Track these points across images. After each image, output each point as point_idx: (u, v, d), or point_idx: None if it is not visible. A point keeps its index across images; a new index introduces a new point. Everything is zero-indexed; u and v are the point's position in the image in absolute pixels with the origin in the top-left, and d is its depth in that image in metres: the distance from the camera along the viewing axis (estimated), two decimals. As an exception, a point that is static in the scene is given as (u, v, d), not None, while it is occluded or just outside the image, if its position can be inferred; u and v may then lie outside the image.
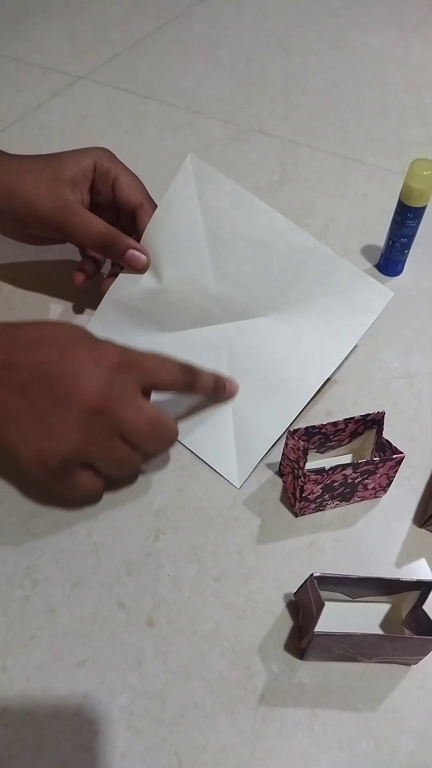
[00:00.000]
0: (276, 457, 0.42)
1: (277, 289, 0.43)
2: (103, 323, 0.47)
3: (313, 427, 0.38)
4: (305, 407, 0.42)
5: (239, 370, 0.43)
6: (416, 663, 0.34)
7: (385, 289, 0.41)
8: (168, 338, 0.45)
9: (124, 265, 0.45)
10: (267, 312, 0.43)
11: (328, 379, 0.42)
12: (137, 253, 0.44)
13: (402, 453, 0.37)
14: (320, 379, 0.41)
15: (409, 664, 0.34)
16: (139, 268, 0.45)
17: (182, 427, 0.42)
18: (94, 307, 0.48)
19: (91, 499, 0.39)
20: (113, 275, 0.47)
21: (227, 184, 0.45)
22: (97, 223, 0.43)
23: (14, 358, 0.34)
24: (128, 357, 0.35)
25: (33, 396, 0.33)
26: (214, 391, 0.41)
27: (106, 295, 0.47)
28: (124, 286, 0.46)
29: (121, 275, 0.46)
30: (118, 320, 0.46)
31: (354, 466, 0.36)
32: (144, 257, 0.45)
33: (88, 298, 0.50)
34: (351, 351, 0.42)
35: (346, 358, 0.43)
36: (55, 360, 0.34)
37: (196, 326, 0.45)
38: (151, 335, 0.45)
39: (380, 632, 0.35)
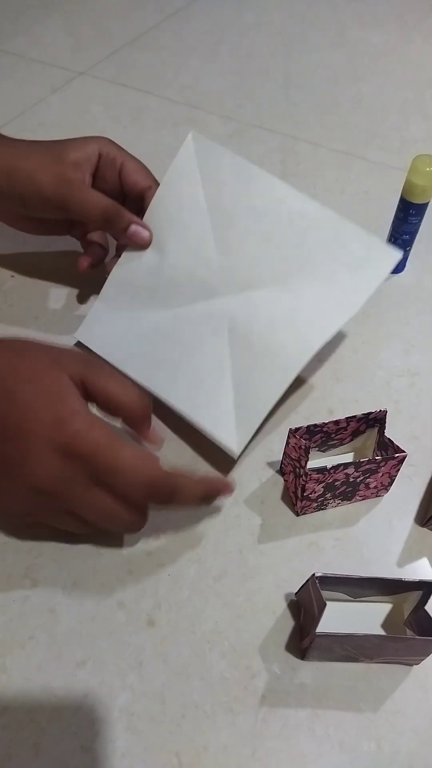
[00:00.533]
0: (277, 455, 0.42)
1: (280, 257, 0.42)
2: (107, 305, 0.46)
3: (315, 425, 0.38)
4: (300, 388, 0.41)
5: (239, 337, 0.41)
6: (418, 663, 0.34)
7: (392, 249, 0.40)
8: (171, 314, 0.44)
9: (126, 242, 0.45)
10: (271, 281, 0.42)
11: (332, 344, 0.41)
12: (140, 228, 0.44)
13: (404, 452, 0.37)
14: (321, 340, 0.39)
15: (410, 665, 0.34)
16: (143, 244, 0.45)
17: (173, 387, 0.40)
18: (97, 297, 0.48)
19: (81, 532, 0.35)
20: (118, 257, 0.47)
21: (227, 156, 0.44)
22: (99, 197, 0.43)
23: None
24: (86, 445, 0.31)
25: None
26: (201, 501, 0.35)
27: (110, 276, 0.46)
28: (127, 264, 0.46)
29: (124, 254, 0.46)
30: (122, 300, 0.46)
31: (356, 465, 0.36)
32: (147, 233, 0.44)
33: (93, 288, 0.50)
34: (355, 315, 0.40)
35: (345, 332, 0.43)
36: (14, 425, 0.31)
37: (198, 300, 0.43)
38: (154, 312, 0.44)
39: (382, 632, 0.35)
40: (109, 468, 0.31)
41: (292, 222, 0.42)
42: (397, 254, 0.40)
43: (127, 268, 0.46)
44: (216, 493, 0.36)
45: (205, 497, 0.35)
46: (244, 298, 0.42)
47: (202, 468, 0.42)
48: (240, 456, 0.40)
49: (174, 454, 0.42)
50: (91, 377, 0.33)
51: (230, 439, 0.39)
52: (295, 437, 0.37)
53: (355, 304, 0.39)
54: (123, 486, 0.32)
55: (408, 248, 0.53)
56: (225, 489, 0.36)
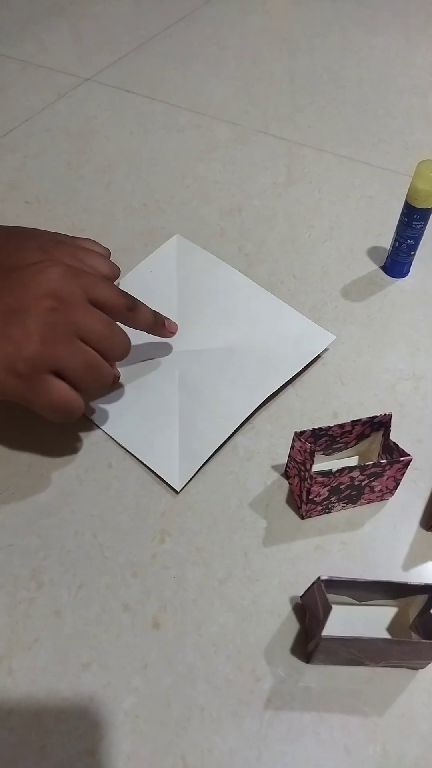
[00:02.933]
0: (282, 459, 0.42)
1: (231, 329, 0.49)
2: None
3: (320, 429, 0.38)
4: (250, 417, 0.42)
5: (189, 385, 0.45)
6: (423, 667, 0.34)
7: (327, 333, 0.48)
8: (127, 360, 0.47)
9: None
10: (221, 345, 0.48)
11: (268, 399, 0.45)
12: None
13: (409, 455, 0.37)
14: (259, 400, 0.44)
15: (416, 668, 0.34)
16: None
17: (124, 426, 0.43)
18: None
19: (68, 413, 0.36)
20: None
21: (202, 254, 0.54)
22: None
23: None
24: (75, 265, 0.38)
25: None
26: (153, 324, 0.43)
27: None
28: None
29: None
30: None
31: (361, 468, 0.36)
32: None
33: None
34: (290, 380, 0.46)
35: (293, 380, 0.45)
36: (5, 264, 0.36)
37: (154, 354, 0.48)
38: None
39: (387, 636, 0.35)
40: (95, 280, 0.37)
41: (244, 303, 0.50)
42: (330, 337, 0.48)
43: None
44: (162, 320, 0.44)
45: (155, 320, 0.43)
46: (197, 355, 0.47)
47: (208, 470, 0.42)
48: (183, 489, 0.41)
49: (179, 458, 0.42)
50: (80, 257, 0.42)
51: (173, 476, 0.41)
52: (300, 440, 0.37)
53: (291, 371, 0.46)
54: (107, 292, 0.38)
55: (412, 253, 0.53)
56: (169, 321, 0.45)
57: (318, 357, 0.48)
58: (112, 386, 0.43)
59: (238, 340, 0.48)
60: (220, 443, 0.42)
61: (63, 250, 0.43)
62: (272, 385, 0.45)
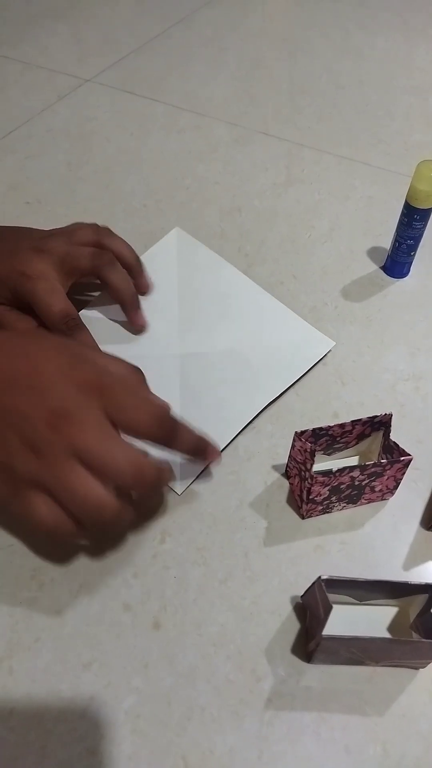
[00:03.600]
0: (282, 459, 0.42)
1: (232, 331, 0.48)
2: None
3: (320, 428, 0.38)
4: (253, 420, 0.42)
5: (190, 388, 0.45)
6: (424, 667, 0.34)
7: (327, 338, 0.48)
8: (130, 353, 0.46)
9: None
10: (220, 346, 0.47)
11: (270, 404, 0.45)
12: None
13: (409, 455, 0.37)
14: (260, 405, 0.44)
15: (416, 668, 0.34)
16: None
17: None
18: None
19: (52, 534, 0.31)
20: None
21: (204, 251, 0.53)
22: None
23: None
24: (102, 381, 0.32)
25: None
26: (193, 452, 0.36)
27: (89, 306, 0.49)
28: (102, 305, 0.49)
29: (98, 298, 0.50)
30: (94, 323, 0.49)
31: (361, 468, 0.36)
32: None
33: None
34: (291, 385, 0.46)
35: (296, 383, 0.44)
36: (26, 373, 0.32)
37: (155, 349, 0.48)
38: (115, 345, 0.48)
39: (388, 636, 0.35)
40: (124, 401, 0.32)
41: (245, 306, 0.50)
42: (330, 343, 0.48)
43: (102, 308, 0.49)
44: (205, 450, 0.36)
45: (196, 449, 0.35)
46: (197, 358, 0.47)
47: (208, 471, 0.42)
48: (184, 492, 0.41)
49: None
50: (89, 352, 0.35)
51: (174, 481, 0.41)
52: (301, 440, 0.37)
53: (292, 377, 0.46)
54: (135, 415, 0.32)
55: (412, 253, 0.53)
56: (213, 453, 0.36)
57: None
58: (123, 523, 0.33)
59: (239, 343, 0.48)
60: (222, 448, 0.42)
61: (55, 241, 0.43)
62: (273, 391, 0.45)
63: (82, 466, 0.30)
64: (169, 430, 0.34)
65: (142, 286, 0.49)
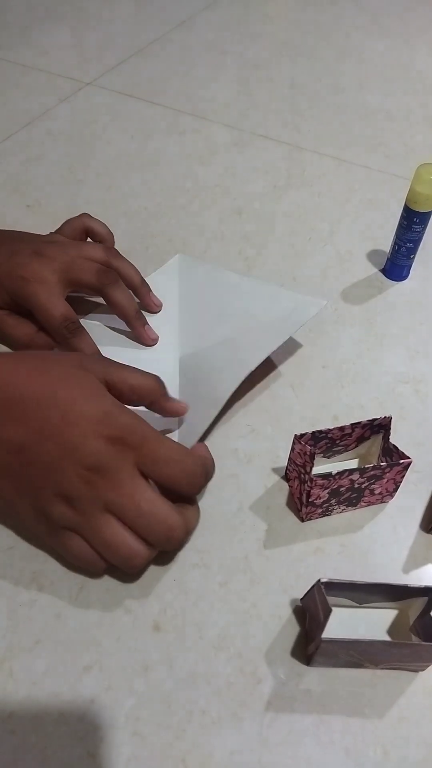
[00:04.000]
0: (282, 461, 0.42)
1: (228, 322, 0.48)
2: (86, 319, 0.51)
3: (320, 431, 0.38)
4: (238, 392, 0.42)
5: (187, 369, 0.46)
6: (424, 669, 0.34)
7: (317, 300, 0.47)
8: (132, 350, 0.48)
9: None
10: (218, 338, 0.47)
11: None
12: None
13: (409, 458, 0.37)
14: (257, 362, 0.43)
15: (416, 671, 0.34)
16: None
17: None
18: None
19: (89, 569, 0.35)
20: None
21: (205, 269, 0.53)
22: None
23: (15, 414, 0.32)
24: (135, 436, 0.33)
25: (28, 458, 0.32)
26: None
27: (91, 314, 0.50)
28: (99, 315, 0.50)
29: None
30: (96, 326, 0.49)
31: (361, 471, 0.36)
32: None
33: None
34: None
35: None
36: (57, 424, 0.32)
37: (154, 354, 0.48)
38: (119, 340, 0.49)
39: (387, 638, 0.35)
40: (157, 456, 0.33)
41: (239, 297, 0.49)
42: (322, 302, 0.46)
43: (102, 316, 0.50)
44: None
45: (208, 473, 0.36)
46: (196, 355, 0.47)
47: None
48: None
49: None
50: (112, 372, 0.36)
51: None
52: (300, 443, 0.37)
53: (285, 335, 0.44)
54: (167, 470, 0.33)
55: (412, 256, 0.53)
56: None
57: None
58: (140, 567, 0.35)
59: (235, 328, 0.47)
60: (212, 418, 0.41)
61: (58, 248, 0.43)
62: (267, 348, 0.44)
63: (115, 519, 0.32)
64: (201, 485, 0.35)
65: (150, 306, 0.50)
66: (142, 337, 0.47)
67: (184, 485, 0.34)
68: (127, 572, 0.35)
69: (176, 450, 0.34)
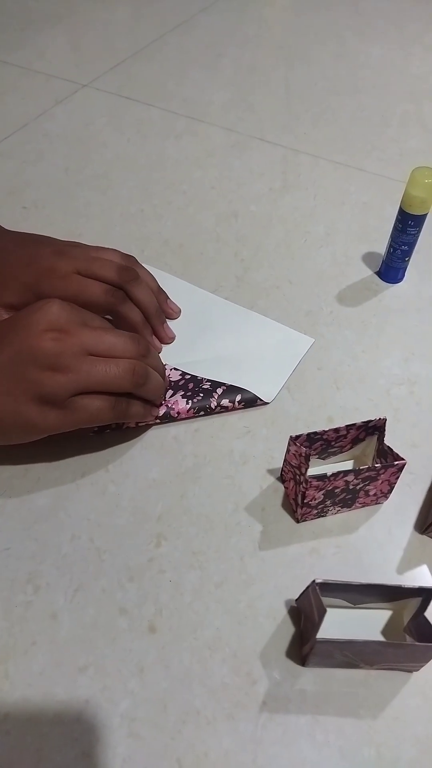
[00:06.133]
0: (277, 463, 0.42)
1: (214, 341, 0.49)
2: None
3: (315, 433, 0.39)
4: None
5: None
6: (418, 670, 0.34)
7: (306, 336, 0.50)
8: None
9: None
10: (205, 355, 0.48)
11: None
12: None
13: (403, 459, 0.37)
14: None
15: (410, 671, 0.34)
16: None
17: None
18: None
19: (115, 416, 0.39)
20: None
21: (178, 283, 0.54)
22: None
23: None
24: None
25: (5, 358, 0.36)
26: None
27: None
28: None
29: None
30: None
31: (356, 472, 0.36)
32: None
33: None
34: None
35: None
36: (10, 323, 0.37)
37: None
38: None
39: (382, 639, 0.35)
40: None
41: (223, 319, 0.51)
42: (309, 340, 0.50)
43: None
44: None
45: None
46: (186, 363, 0.48)
47: (204, 473, 0.42)
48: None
49: (176, 460, 0.42)
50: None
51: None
52: (296, 445, 0.38)
53: (284, 377, 0.47)
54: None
55: (407, 258, 0.53)
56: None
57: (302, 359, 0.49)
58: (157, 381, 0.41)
59: (222, 351, 0.49)
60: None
61: (77, 251, 0.44)
62: (268, 396, 0.46)
63: (95, 357, 0.37)
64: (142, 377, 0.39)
65: (170, 313, 0.51)
66: (161, 334, 0.48)
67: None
68: (144, 389, 0.39)
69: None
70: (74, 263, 0.43)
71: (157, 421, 0.44)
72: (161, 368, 0.42)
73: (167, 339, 0.49)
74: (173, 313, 0.51)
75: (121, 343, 0.38)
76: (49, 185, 0.64)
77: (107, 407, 0.38)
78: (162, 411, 0.43)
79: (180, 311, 0.51)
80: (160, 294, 0.49)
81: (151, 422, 0.44)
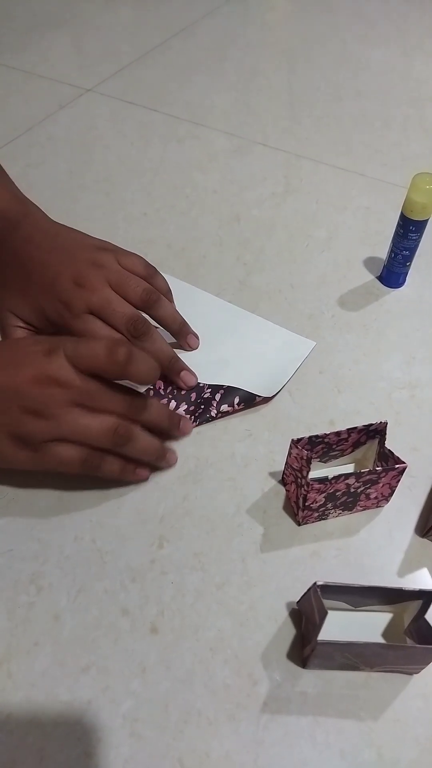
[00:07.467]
0: (279, 466, 0.43)
1: (220, 347, 0.50)
2: None
3: (317, 436, 0.39)
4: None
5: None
6: (418, 672, 0.34)
7: (308, 340, 0.51)
8: None
9: None
10: (210, 358, 0.49)
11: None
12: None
13: (404, 463, 0.37)
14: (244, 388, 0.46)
15: (410, 673, 0.34)
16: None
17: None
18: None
19: (86, 469, 0.37)
20: None
21: (178, 284, 0.54)
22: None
23: None
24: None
25: None
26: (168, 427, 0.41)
27: None
28: None
29: None
30: None
31: (357, 475, 0.37)
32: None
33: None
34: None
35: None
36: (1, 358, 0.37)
37: None
38: None
39: (382, 641, 0.35)
40: (77, 347, 0.37)
41: (225, 322, 0.52)
42: (311, 343, 0.50)
43: None
44: (177, 420, 0.42)
45: (170, 422, 0.41)
46: (188, 365, 0.47)
47: (207, 475, 0.42)
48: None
49: (179, 462, 0.43)
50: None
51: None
52: (297, 448, 0.38)
53: (284, 379, 0.47)
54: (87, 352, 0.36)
55: (408, 263, 0.54)
56: (185, 421, 0.43)
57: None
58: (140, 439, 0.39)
59: (224, 353, 0.49)
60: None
61: (108, 257, 0.44)
62: (273, 390, 0.46)
63: (82, 409, 0.36)
64: (138, 409, 0.38)
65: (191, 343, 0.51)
66: (186, 344, 0.49)
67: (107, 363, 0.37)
68: (123, 448, 0.38)
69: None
70: (90, 298, 0.43)
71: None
72: (163, 422, 0.41)
73: (193, 347, 0.49)
74: (194, 345, 0.50)
75: (115, 400, 0.37)
76: (53, 188, 0.65)
77: (77, 460, 0.36)
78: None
79: (198, 340, 0.51)
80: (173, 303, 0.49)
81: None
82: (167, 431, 0.42)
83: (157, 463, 0.41)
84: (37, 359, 0.36)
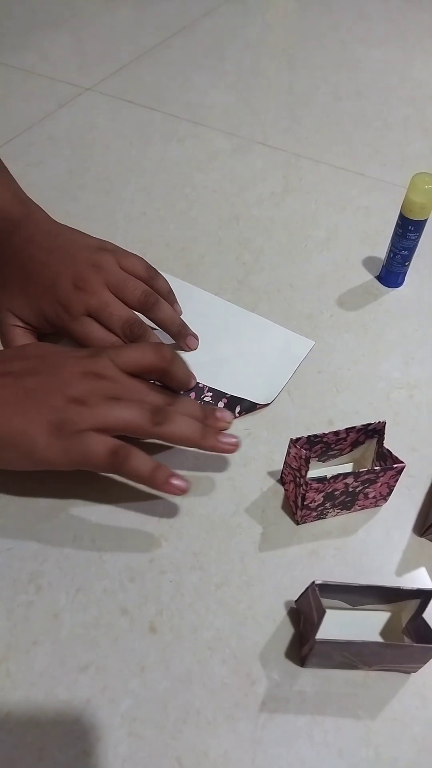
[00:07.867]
0: (278, 465, 0.43)
1: (219, 347, 0.50)
2: None
3: (315, 436, 0.39)
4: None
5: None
6: (416, 671, 0.34)
7: (307, 339, 0.51)
8: None
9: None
10: (209, 358, 0.49)
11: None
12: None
13: (403, 462, 0.38)
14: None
15: (408, 672, 0.35)
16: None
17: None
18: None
19: (116, 461, 0.37)
20: None
21: (178, 283, 0.54)
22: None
23: (10, 366, 0.38)
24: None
25: (27, 384, 0.37)
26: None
27: None
28: None
29: None
30: None
31: (355, 474, 0.37)
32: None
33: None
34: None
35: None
36: (46, 359, 0.39)
37: None
38: None
39: (380, 640, 0.35)
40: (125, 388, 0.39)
41: (224, 320, 0.52)
42: (310, 343, 0.50)
43: None
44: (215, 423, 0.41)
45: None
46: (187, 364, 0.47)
47: (206, 475, 0.42)
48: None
49: (178, 461, 0.43)
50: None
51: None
52: (296, 447, 0.38)
53: (284, 379, 0.47)
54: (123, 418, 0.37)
55: (407, 263, 0.54)
56: (220, 416, 0.41)
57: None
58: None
59: (223, 352, 0.49)
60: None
61: (108, 258, 0.45)
62: (266, 398, 0.46)
63: (118, 401, 0.37)
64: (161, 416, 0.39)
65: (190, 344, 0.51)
66: (185, 345, 0.49)
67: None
68: (159, 422, 0.38)
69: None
70: (88, 301, 0.43)
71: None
72: (198, 414, 0.40)
73: (192, 347, 0.49)
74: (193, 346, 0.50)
75: (154, 393, 0.40)
76: (53, 188, 0.65)
77: (107, 450, 0.36)
78: None
79: (197, 340, 0.51)
80: (175, 305, 0.50)
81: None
82: (202, 420, 0.41)
83: (204, 442, 0.39)
84: (83, 360, 0.38)
